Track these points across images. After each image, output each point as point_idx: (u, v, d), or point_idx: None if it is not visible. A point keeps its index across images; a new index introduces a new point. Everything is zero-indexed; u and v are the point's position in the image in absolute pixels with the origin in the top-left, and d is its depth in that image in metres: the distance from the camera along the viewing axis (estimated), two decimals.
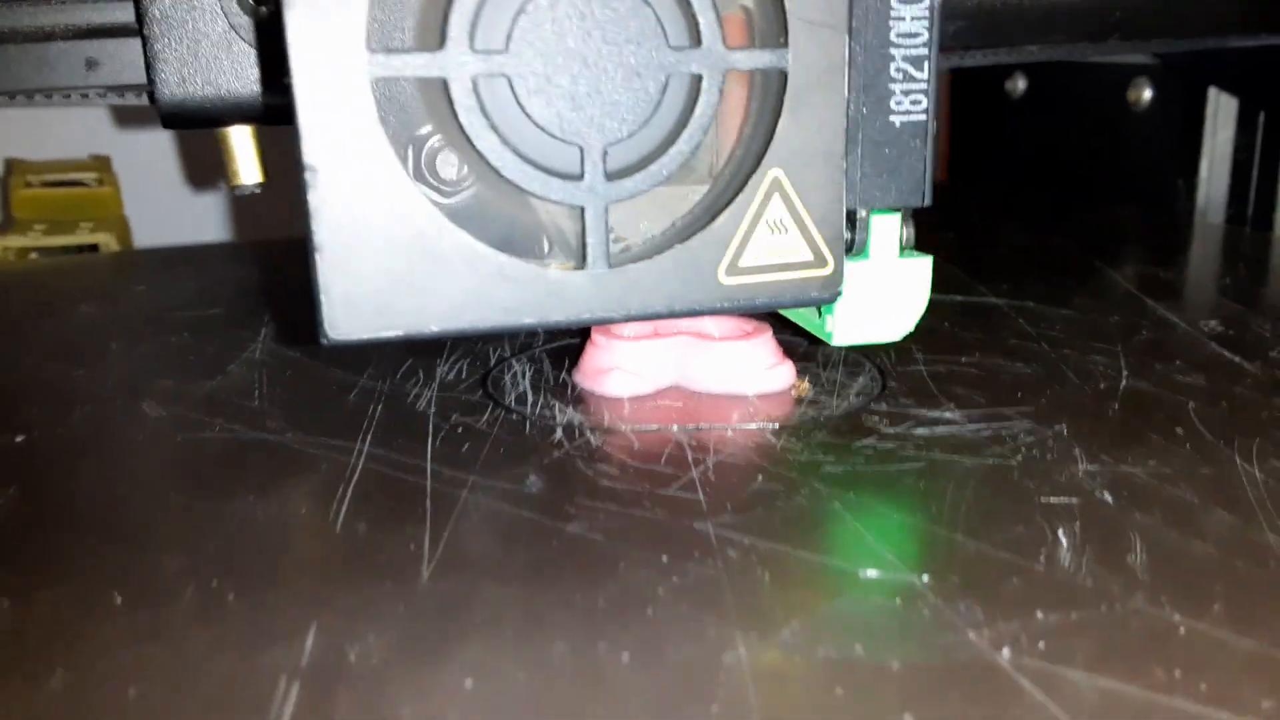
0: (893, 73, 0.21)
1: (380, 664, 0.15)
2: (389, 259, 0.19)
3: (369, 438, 0.23)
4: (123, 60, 0.27)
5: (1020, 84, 0.56)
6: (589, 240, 0.20)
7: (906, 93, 0.21)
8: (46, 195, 0.48)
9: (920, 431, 0.23)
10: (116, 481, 0.22)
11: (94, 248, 0.46)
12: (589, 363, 0.26)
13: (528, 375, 0.27)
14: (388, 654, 0.15)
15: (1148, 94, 0.49)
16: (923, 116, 0.22)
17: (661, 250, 0.21)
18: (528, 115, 0.19)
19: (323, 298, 0.19)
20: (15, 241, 0.45)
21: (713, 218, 0.21)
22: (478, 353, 0.29)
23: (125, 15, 0.27)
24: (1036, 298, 0.33)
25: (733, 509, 0.19)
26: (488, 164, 0.19)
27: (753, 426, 0.23)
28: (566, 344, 0.29)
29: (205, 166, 0.58)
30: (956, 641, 0.15)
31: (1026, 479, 0.20)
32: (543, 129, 0.19)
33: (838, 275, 0.22)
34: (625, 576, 0.17)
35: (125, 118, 0.55)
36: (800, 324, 0.25)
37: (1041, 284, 0.35)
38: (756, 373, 0.25)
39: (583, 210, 0.20)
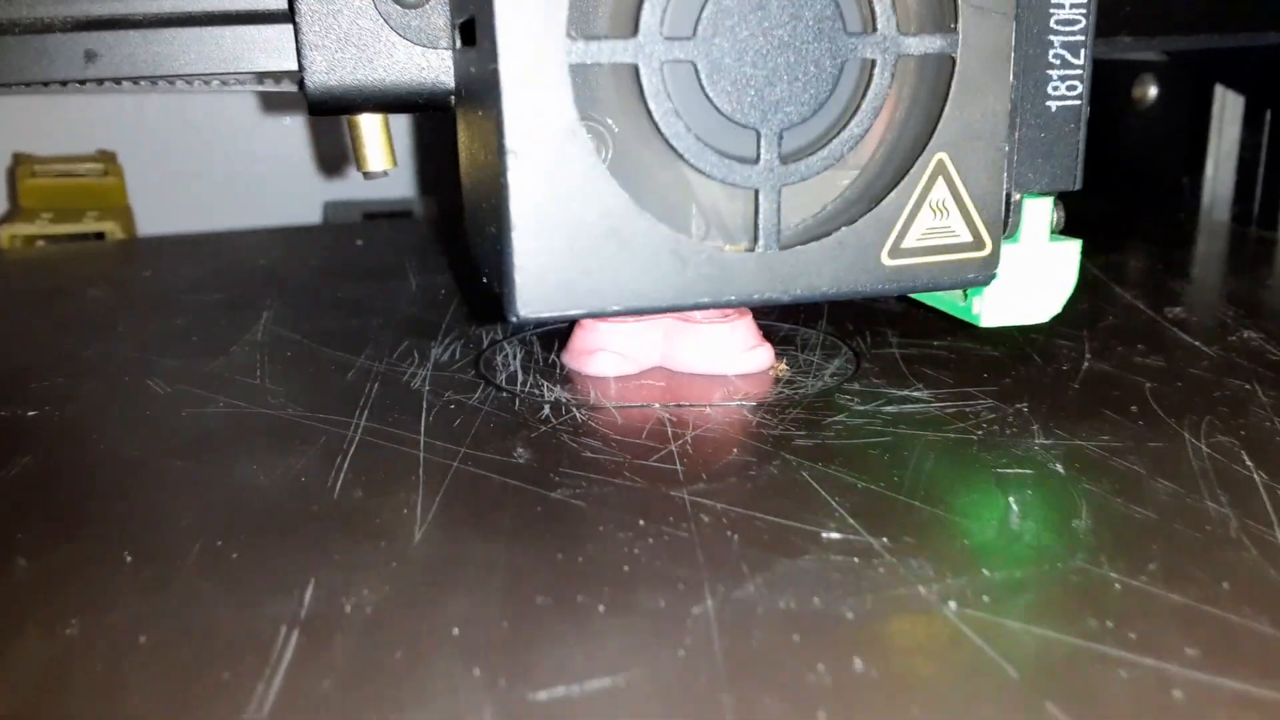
0: (1050, 59, 0.22)
1: (374, 614, 0.16)
2: (578, 240, 0.20)
3: (366, 413, 0.24)
4: (122, 52, 0.28)
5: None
6: (761, 222, 0.21)
7: (1063, 78, 0.22)
8: (53, 185, 0.49)
9: (889, 409, 0.24)
10: (125, 452, 0.23)
11: (100, 236, 0.47)
12: (577, 344, 0.27)
13: (518, 356, 0.28)
14: (381, 605, 0.17)
15: (1153, 91, 0.50)
16: (1078, 102, 0.22)
17: (828, 232, 0.21)
18: (710, 100, 0.20)
19: (516, 276, 0.20)
20: (23, 230, 0.46)
21: (877, 200, 0.21)
22: (470, 335, 0.30)
23: (124, 7, 0.28)
24: None
25: (707, 478, 0.21)
26: (673, 149, 0.20)
27: (731, 404, 0.25)
28: (555, 327, 0.30)
29: (205, 162, 0.59)
30: (907, 594, 0.17)
31: (984, 452, 0.22)
32: (723, 114, 0.20)
33: (995, 257, 0.22)
34: (604, 537, 0.18)
35: (128, 113, 0.56)
36: (942, 308, 0.25)
37: None
38: (737, 354, 0.26)
39: (756, 193, 0.21)
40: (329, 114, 0.25)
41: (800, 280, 0.21)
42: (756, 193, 0.21)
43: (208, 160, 0.59)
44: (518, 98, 0.19)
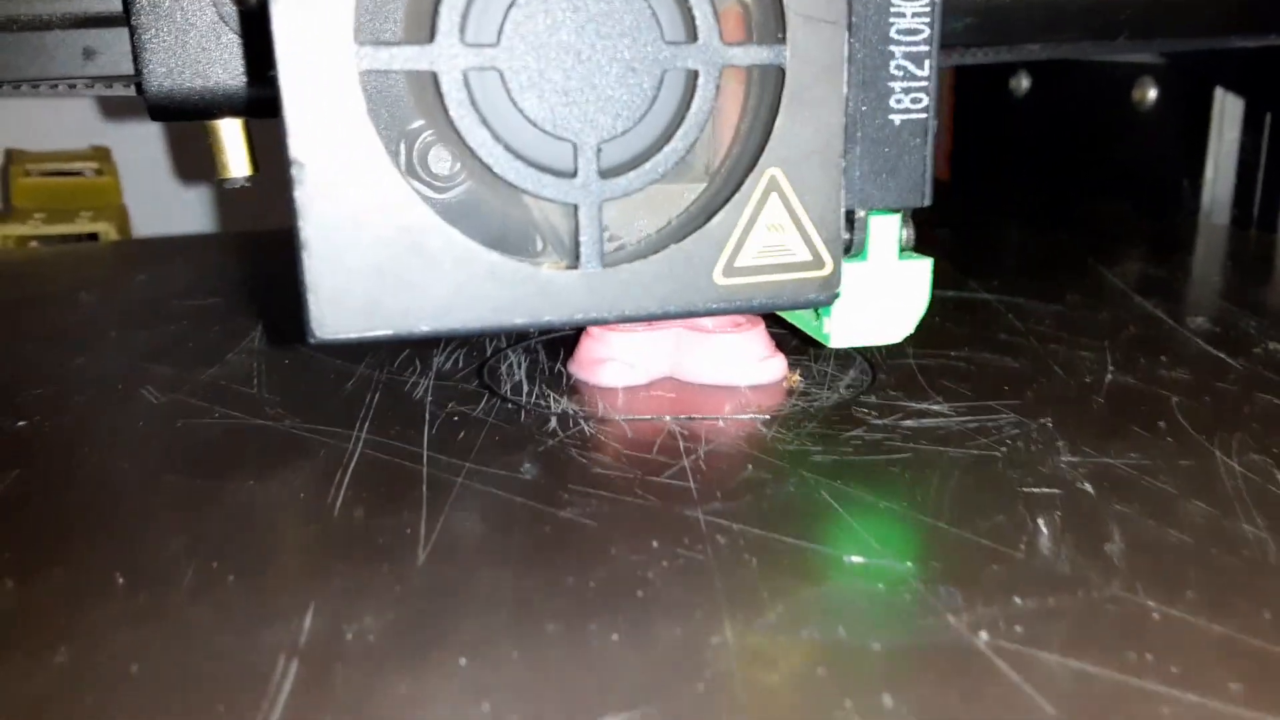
0: (893, 70, 0.21)
1: (377, 643, 0.16)
2: (378, 257, 0.19)
3: (366, 425, 0.23)
4: (121, 50, 0.28)
5: (1024, 82, 0.56)
6: (582, 239, 0.20)
7: (907, 90, 0.21)
8: (46, 184, 0.48)
9: (908, 423, 0.23)
10: (118, 465, 0.22)
11: (94, 236, 0.46)
12: (584, 354, 0.26)
13: (523, 366, 0.27)
14: (384, 633, 0.16)
15: (1153, 94, 0.49)
16: (923, 115, 0.22)
17: (656, 250, 0.20)
18: (520, 110, 0.19)
19: (310, 296, 0.19)
20: (15, 230, 0.45)
21: (709, 217, 0.21)
22: (474, 343, 0.29)
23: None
24: (1028, 294, 0.34)
25: (722, 496, 0.20)
26: (479, 160, 0.19)
27: (744, 417, 0.24)
28: (562, 335, 0.29)
29: (202, 160, 0.58)
30: (936, 624, 0.16)
31: (1009, 469, 0.21)
32: (535, 124, 0.19)
33: (836, 276, 0.21)
34: (616, 560, 0.18)
35: (123, 109, 0.55)
36: (797, 325, 0.25)
37: (1034, 281, 0.35)
38: (749, 365, 0.26)
39: (576, 208, 0.20)
40: (172, 119, 0.24)
41: (627, 300, 0.20)
42: (576, 208, 0.20)
43: (201, 156, 0.58)
44: (299, 105, 0.18)
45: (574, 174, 0.20)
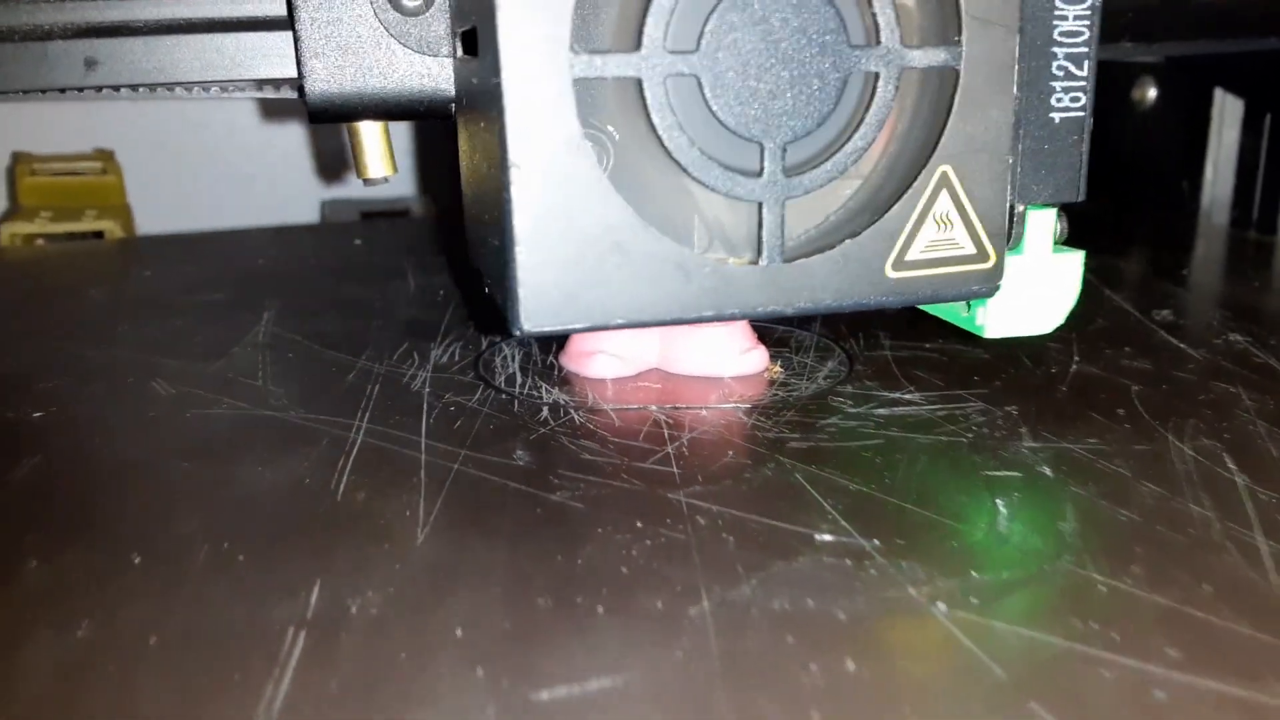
0: (1054, 70, 0.22)
1: (379, 615, 0.17)
2: (581, 253, 0.20)
3: (367, 415, 0.25)
4: (122, 60, 0.28)
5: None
6: (765, 235, 0.21)
7: (1067, 90, 0.22)
8: (52, 183, 0.49)
9: (881, 412, 0.24)
10: (131, 453, 0.23)
11: (99, 234, 0.47)
12: (574, 346, 0.28)
13: (517, 358, 0.29)
14: (385, 606, 0.17)
15: (1152, 93, 0.50)
16: (1081, 113, 0.22)
17: (832, 245, 0.21)
18: (713, 114, 0.20)
19: (520, 290, 0.20)
20: (22, 228, 0.46)
21: (881, 213, 0.21)
22: (470, 337, 0.30)
23: (124, 14, 0.28)
24: None
25: (703, 480, 0.21)
26: (677, 162, 0.20)
27: (726, 406, 0.25)
28: None
29: (204, 159, 0.59)
30: (897, 596, 0.17)
31: (973, 454, 0.22)
32: (727, 127, 0.20)
33: (999, 269, 0.22)
34: (602, 539, 0.19)
35: (128, 114, 0.56)
36: (945, 318, 0.26)
37: None
38: (732, 357, 0.27)
39: (760, 206, 0.21)
40: (329, 121, 0.26)
41: (804, 293, 0.21)
42: (760, 206, 0.21)
43: (205, 158, 0.59)
44: (521, 111, 0.19)
45: (759, 173, 0.21)
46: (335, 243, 0.47)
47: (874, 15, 0.20)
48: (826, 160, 0.21)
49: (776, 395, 0.26)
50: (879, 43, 0.21)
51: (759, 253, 0.21)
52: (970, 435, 0.23)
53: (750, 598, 0.17)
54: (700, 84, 0.20)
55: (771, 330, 0.30)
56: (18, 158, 0.51)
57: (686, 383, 0.27)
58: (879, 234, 0.21)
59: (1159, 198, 0.50)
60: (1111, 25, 0.35)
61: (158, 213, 0.54)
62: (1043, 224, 0.23)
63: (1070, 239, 0.24)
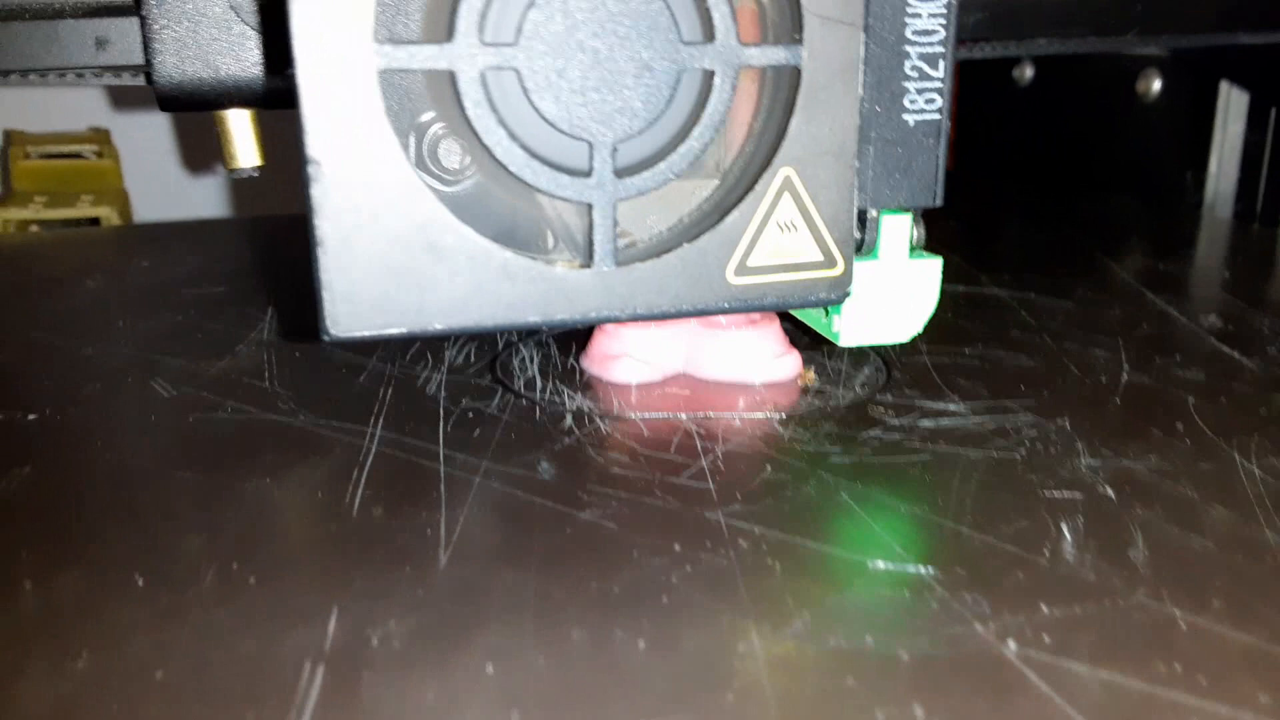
0: (907, 70, 0.21)
1: (402, 649, 0.16)
2: (392, 254, 0.19)
3: (381, 421, 0.23)
4: (133, 39, 0.27)
5: (1028, 72, 0.56)
6: (596, 238, 0.20)
7: (921, 91, 0.21)
8: (47, 167, 0.48)
9: (925, 423, 0.23)
10: (131, 462, 0.22)
11: (95, 221, 0.46)
12: (597, 349, 0.26)
13: (535, 360, 0.27)
14: (409, 639, 0.16)
15: (1157, 86, 0.49)
16: (937, 116, 0.21)
17: (669, 249, 0.20)
18: (536, 110, 0.19)
19: (325, 294, 0.19)
20: (16, 214, 0.45)
21: (722, 216, 0.20)
22: (485, 337, 0.29)
23: None
24: (1038, 289, 0.33)
25: (742, 499, 0.20)
26: (495, 159, 0.19)
27: (760, 416, 0.24)
28: (574, 329, 0.29)
29: (204, 143, 0.58)
30: (963, 633, 0.16)
31: (1030, 472, 0.21)
32: (551, 124, 0.19)
33: (847, 276, 0.21)
34: (639, 564, 0.18)
35: (124, 93, 0.54)
36: (806, 323, 0.25)
37: (1043, 276, 0.35)
38: (763, 361, 0.26)
39: (590, 207, 0.20)
40: (182, 110, 0.24)
41: (639, 298, 0.20)
42: (590, 207, 0.20)
43: (203, 140, 0.58)
44: (318, 104, 0.18)
45: (589, 173, 0.20)
46: None
47: (708, 11, 0.19)
48: (660, 160, 0.20)
49: (812, 404, 0.24)
50: (713, 40, 0.19)
51: (590, 256, 0.20)
52: (1023, 450, 0.22)
53: (804, 634, 0.16)
54: (520, 78, 0.19)
55: (802, 334, 0.29)
56: (11, 137, 0.50)
57: (715, 389, 0.25)
58: (719, 238, 0.20)
59: (1163, 191, 0.49)
60: (1119, 17, 0.34)
61: (155, 196, 0.52)
62: (897, 229, 0.22)
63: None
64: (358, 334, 0.19)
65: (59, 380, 0.26)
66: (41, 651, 0.16)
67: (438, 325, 0.19)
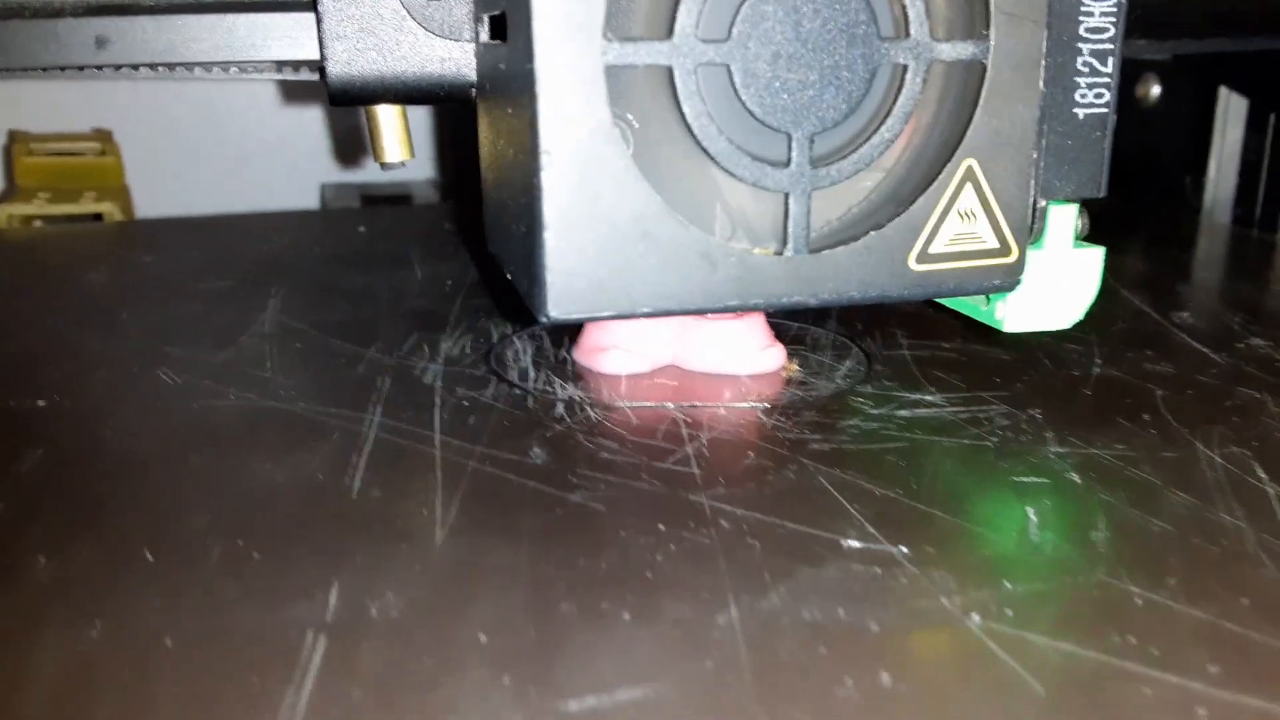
0: (1079, 66, 0.22)
1: (400, 619, 0.16)
2: (609, 241, 0.20)
3: (379, 409, 0.24)
4: (134, 38, 0.28)
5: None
6: (791, 226, 0.21)
7: (1091, 86, 0.22)
8: (50, 163, 0.48)
9: (902, 413, 0.24)
10: (138, 445, 0.23)
11: (98, 217, 0.46)
12: (588, 341, 0.27)
13: (529, 352, 0.28)
14: (406, 610, 0.17)
15: (1156, 90, 0.50)
16: (1104, 109, 0.22)
17: (857, 236, 0.21)
18: (743, 103, 0.20)
19: (548, 276, 0.20)
20: (20, 210, 0.45)
21: (906, 205, 0.21)
22: (480, 329, 0.30)
23: None
24: None
25: (725, 482, 0.21)
26: (705, 151, 0.20)
27: (745, 405, 0.25)
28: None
29: (201, 139, 0.58)
30: (930, 607, 0.17)
31: (1000, 460, 0.22)
32: (755, 117, 0.20)
33: (1020, 264, 0.22)
34: (625, 543, 0.19)
35: (126, 94, 0.55)
36: (963, 312, 0.25)
37: None
38: (749, 354, 0.26)
39: (787, 196, 0.20)
40: (349, 104, 0.25)
41: (828, 284, 0.21)
42: (787, 196, 0.21)
43: (204, 139, 0.59)
44: (553, 98, 0.19)
45: (787, 163, 0.20)
46: (339, 229, 0.46)
47: (903, 7, 0.20)
48: (853, 151, 0.21)
49: (795, 395, 0.25)
50: (908, 35, 0.20)
51: (784, 243, 0.21)
52: (995, 439, 0.23)
53: (779, 606, 0.17)
54: (730, 73, 0.20)
55: (787, 327, 0.30)
56: (14, 137, 0.51)
57: (702, 380, 0.26)
58: (903, 226, 0.21)
59: (1162, 195, 0.50)
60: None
61: (157, 194, 0.53)
62: (1064, 219, 0.23)
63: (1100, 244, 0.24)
64: (575, 315, 0.20)
65: (66, 369, 0.27)
66: (56, 620, 0.16)
67: (645, 309, 0.20)
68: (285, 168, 0.60)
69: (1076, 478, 0.21)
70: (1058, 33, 0.22)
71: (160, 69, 0.28)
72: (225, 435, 0.23)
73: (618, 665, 0.15)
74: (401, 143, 0.27)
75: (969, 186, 0.21)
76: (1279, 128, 0.45)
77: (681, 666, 0.15)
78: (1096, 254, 0.24)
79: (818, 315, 0.31)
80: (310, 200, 0.61)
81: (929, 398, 0.25)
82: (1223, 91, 0.47)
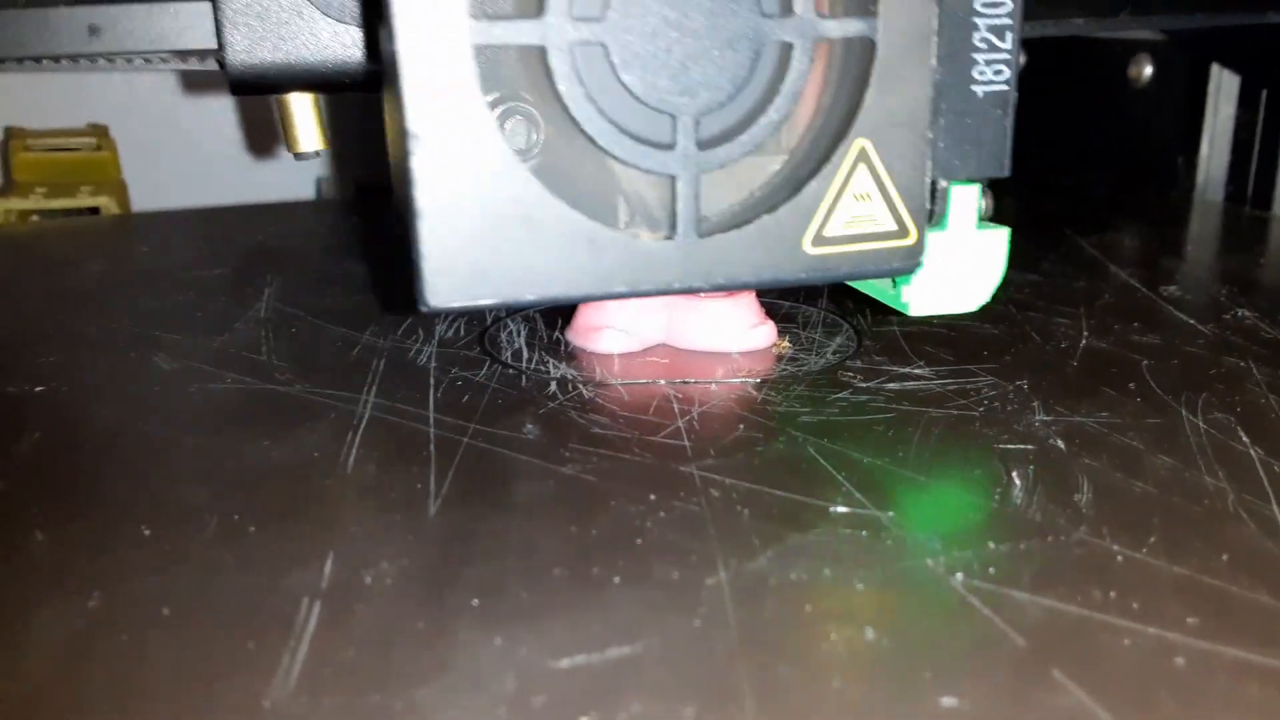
0: (976, 42, 0.21)
1: (394, 585, 0.17)
2: (487, 227, 0.19)
3: (374, 390, 0.24)
4: (125, 26, 0.28)
5: (1020, 57, 0.57)
6: (679, 210, 0.20)
7: (989, 62, 0.22)
8: (46, 159, 0.49)
9: (891, 386, 0.24)
10: (135, 428, 0.23)
11: (95, 211, 0.47)
12: (581, 321, 0.27)
13: (523, 333, 0.28)
14: (400, 577, 0.17)
15: (1148, 70, 0.49)
16: (1005, 86, 0.22)
17: (749, 220, 0.21)
18: (622, 84, 0.19)
19: (424, 264, 0.19)
20: (16, 204, 0.46)
21: (799, 188, 0.21)
22: (474, 313, 0.30)
23: None
24: (1011, 265, 0.35)
25: (715, 454, 0.21)
26: (584, 133, 0.20)
27: (735, 381, 0.25)
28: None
29: (195, 132, 0.59)
30: (914, 566, 0.17)
31: (986, 428, 0.22)
32: (636, 97, 0.20)
33: (919, 246, 0.22)
34: (616, 511, 0.19)
35: (121, 88, 0.55)
36: (872, 295, 0.25)
37: (1015, 252, 0.36)
38: (740, 331, 0.27)
39: (674, 179, 0.20)
40: (251, 93, 0.25)
41: (720, 269, 0.21)
42: (674, 179, 0.20)
43: (198, 133, 0.59)
44: (417, 79, 0.18)
45: (672, 146, 0.20)
46: (334, 219, 0.47)
47: None
48: (742, 133, 0.20)
49: (785, 370, 0.26)
50: (792, 12, 0.20)
51: (673, 228, 0.20)
52: (982, 409, 0.23)
53: (767, 568, 0.17)
54: (607, 53, 0.19)
55: (778, 305, 0.30)
56: (11, 133, 0.51)
57: (694, 358, 0.26)
58: (796, 209, 0.21)
59: (1155, 174, 0.50)
60: None
61: (152, 188, 0.53)
62: (966, 200, 0.23)
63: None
64: (455, 304, 0.20)
65: (63, 356, 0.27)
66: (56, 591, 0.17)
67: (529, 296, 0.20)
68: (280, 162, 0.60)
69: (1061, 444, 0.21)
70: (951, 8, 0.21)
71: (153, 58, 0.28)
72: (221, 416, 0.23)
73: (608, 625, 0.16)
74: (316, 131, 0.27)
75: (863, 167, 0.21)
76: (1271, 104, 0.45)
77: (670, 625, 0.16)
78: (1001, 235, 0.23)
79: (809, 293, 0.31)
80: (307, 193, 0.61)
81: (918, 371, 0.25)
82: (1214, 69, 0.47)
